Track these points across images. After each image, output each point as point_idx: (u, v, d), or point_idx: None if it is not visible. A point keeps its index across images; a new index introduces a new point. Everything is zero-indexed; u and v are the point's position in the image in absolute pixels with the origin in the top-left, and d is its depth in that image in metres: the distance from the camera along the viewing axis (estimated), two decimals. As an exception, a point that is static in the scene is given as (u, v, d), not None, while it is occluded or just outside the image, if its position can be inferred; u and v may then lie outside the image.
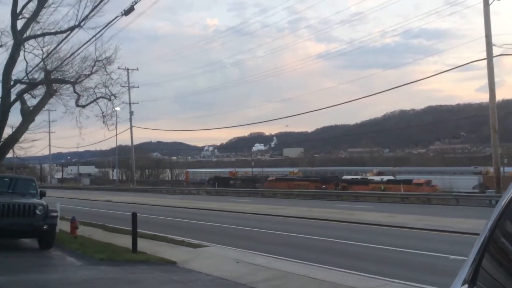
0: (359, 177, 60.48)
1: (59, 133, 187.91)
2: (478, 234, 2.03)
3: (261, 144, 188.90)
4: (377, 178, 52.67)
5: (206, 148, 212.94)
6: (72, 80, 21.89)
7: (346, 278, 9.41)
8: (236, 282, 9.28)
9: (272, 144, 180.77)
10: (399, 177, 52.69)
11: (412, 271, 10.37)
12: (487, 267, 1.81)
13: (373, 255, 12.70)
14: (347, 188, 47.13)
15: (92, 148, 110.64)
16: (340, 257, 12.30)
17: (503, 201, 1.81)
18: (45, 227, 12.56)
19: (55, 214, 13.26)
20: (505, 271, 1.67)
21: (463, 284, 1.93)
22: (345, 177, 59.00)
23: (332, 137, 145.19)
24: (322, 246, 14.48)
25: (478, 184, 45.23)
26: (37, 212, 12.52)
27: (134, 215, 12.81)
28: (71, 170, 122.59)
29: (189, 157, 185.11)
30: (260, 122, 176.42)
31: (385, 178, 52.60)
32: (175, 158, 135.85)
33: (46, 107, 24.34)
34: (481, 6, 25.87)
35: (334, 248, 14.06)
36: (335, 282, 8.99)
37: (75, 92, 22.40)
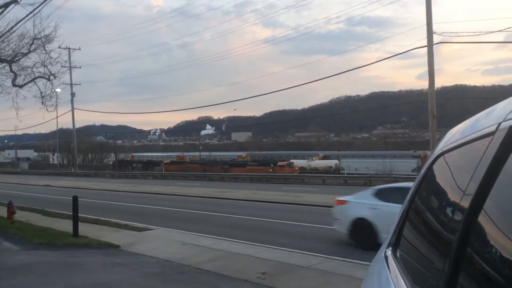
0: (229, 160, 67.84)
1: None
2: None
3: (212, 127, 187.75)
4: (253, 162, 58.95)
5: (153, 131, 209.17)
6: (8, 58, 20.72)
7: (289, 256, 9.64)
8: (181, 263, 9.27)
9: (223, 128, 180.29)
10: (270, 160, 59.03)
11: (351, 249, 10.77)
12: (407, 235, 1.93)
13: (317, 234, 13.07)
14: (228, 170, 52.65)
15: (31, 131, 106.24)
16: (285, 237, 12.57)
17: (422, 171, 1.92)
18: (-22, 212, 11.95)
19: (-11, 198, 12.62)
20: (419, 234, 1.78)
21: (388, 246, 2.07)
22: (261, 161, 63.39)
23: (280, 122, 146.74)
24: (268, 227, 14.72)
25: (417, 167, 47.37)
26: (-30, 196, 11.89)
27: (75, 199, 12.42)
28: (8, 154, 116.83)
29: (135, 141, 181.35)
30: (208, 106, 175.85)
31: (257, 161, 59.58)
32: (120, 142, 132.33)
33: (-20, 86, 22.83)
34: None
35: (279, 228, 14.33)
36: (279, 260, 9.20)
37: (11, 71, 21.26)
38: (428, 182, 1.84)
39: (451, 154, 1.63)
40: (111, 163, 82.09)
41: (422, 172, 1.93)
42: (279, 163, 52.18)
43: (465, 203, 1.22)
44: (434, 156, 1.81)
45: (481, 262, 1.08)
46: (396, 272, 1.77)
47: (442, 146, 1.78)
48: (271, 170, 49.99)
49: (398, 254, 1.95)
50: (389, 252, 2.02)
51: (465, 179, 1.29)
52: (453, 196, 1.40)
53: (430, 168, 1.83)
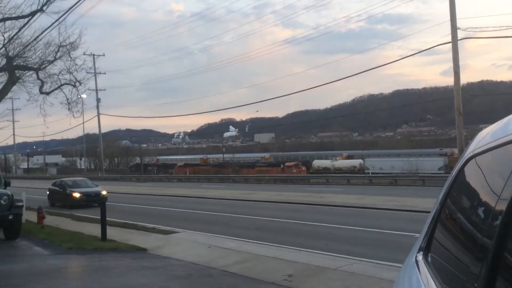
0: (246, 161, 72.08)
1: (23, 122, 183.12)
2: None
3: (235, 129, 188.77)
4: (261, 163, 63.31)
5: (176, 134, 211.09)
6: (35, 66, 21.28)
7: (315, 258, 9.57)
8: (207, 266, 9.32)
9: (246, 129, 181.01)
10: (279, 161, 64.31)
11: (380, 250, 10.64)
12: (439, 237, 1.89)
13: (343, 235, 12.95)
14: (239, 171, 55.38)
15: (58, 137, 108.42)
16: (310, 239, 12.49)
17: (454, 173, 1.88)
18: (10, 217, 12.30)
19: (20, 203, 12.98)
20: (452, 237, 1.75)
21: (419, 251, 2.03)
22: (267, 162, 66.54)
23: (303, 122, 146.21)
24: (293, 228, 14.66)
25: (444, 165, 46.48)
26: (2, 202, 12.24)
27: (102, 203, 12.63)
28: (37, 160, 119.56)
29: (160, 145, 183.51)
30: (230, 108, 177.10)
31: (267, 162, 64.35)
32: (145, 145, 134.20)
33: (9, 94, 23.54)
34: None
35: (305, 230, 14.25)
36: (305, 262, 9.14)
37: (38, 78, 21.83)
38: (460, 185, 1.81)
39: (483, 157, 1.60)
40: (129, 166, 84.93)
41: (453, 174, 1.89)
42: (287, 164, 56.04)
43: (501, 208, 1.19)
44: (466, 158, 1.77)
45: None
46: (427, 275, 1.75)
47: (473, 148, 1.75)
48: (294, 171, 51.58)
49: (429, 257, 1.91)
50: (420, 257, 1.98)
51: (500, 183, 1.26)
52: (488, 200, 1.36)
53: (461, 170, 1.79)
